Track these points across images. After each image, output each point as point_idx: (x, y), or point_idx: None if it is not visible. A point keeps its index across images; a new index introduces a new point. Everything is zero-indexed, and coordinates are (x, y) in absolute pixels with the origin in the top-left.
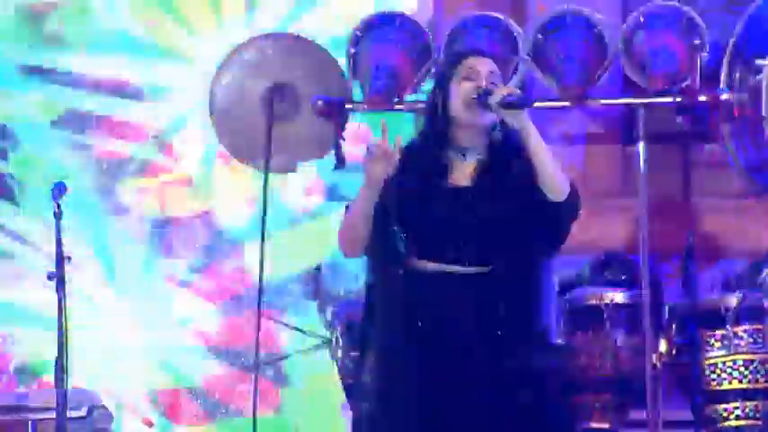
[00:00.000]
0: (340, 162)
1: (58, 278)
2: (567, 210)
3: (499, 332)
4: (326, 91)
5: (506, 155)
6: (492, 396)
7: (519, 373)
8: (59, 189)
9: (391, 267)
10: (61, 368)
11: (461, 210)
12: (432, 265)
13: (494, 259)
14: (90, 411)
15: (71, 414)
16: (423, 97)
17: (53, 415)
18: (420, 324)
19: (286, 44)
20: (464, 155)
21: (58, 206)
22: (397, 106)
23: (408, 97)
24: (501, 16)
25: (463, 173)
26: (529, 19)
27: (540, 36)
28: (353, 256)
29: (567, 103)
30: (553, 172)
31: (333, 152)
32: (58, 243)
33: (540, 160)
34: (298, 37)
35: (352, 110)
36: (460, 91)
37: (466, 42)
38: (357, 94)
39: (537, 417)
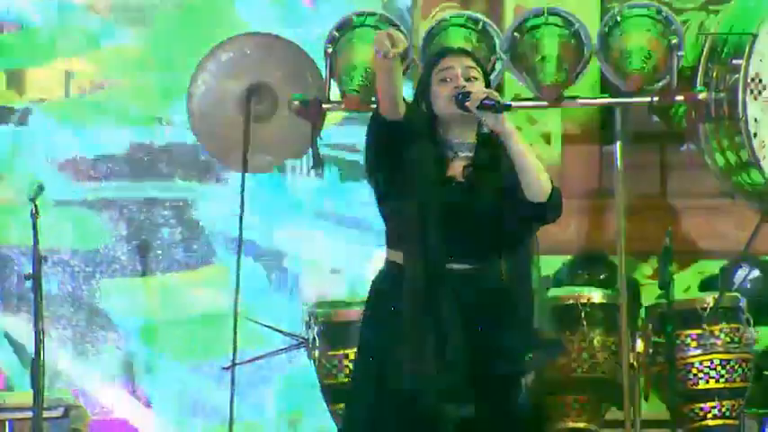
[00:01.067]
0: (317, 162)
1: (35, 278)
2: (549, 211)
3: (481, 327)
4: (303, 91)
5: (496, 150)
6: (484, 396)
7: (509, 370)
8: (36, 189)
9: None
10: (37, 369)
11: (452, 206)
12: (430, 261)
13: (484, 255)
14: (66, 411)
15: (48, 414)
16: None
17: (30, 415)
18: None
19: (263, 44)
20: (455, 151)
21: (35, 206)
22: (374, 106)
23: None
24: (479, 16)
25: (455, 169)
26: (506, 18)
27: (517, 35)
28: (394, 115)
29: (543, 103)
30: (535, 174)
31: (310, 152)
32: (35, 243)
33: (521, 162)
34: (275, 37)
35: (329, 109)
36: (440, 92)
37: (443, 42)
38: (335, 93)
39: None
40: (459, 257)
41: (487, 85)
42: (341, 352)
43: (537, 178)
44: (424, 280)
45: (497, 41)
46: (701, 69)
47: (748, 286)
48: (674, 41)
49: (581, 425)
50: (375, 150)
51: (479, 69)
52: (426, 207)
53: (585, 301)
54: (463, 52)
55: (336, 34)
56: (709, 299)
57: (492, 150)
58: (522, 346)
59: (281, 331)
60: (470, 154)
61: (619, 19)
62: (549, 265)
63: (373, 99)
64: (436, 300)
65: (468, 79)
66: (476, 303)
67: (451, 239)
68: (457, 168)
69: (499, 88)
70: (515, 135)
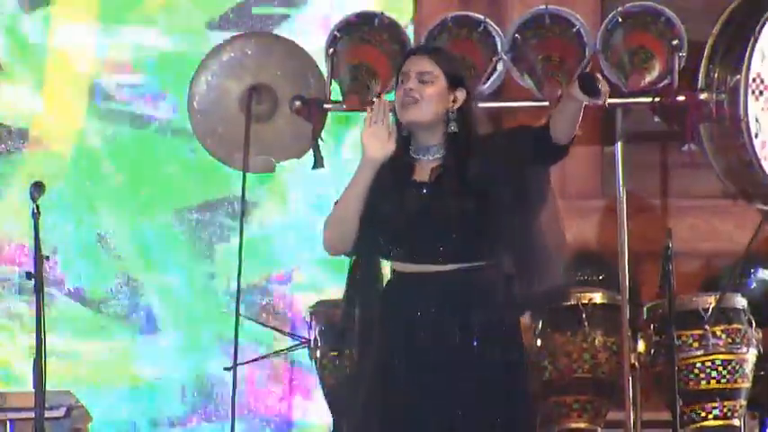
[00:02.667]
0: (318, 162)
1: (37, 278)
2: (563, 151)
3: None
4: (304, 91)
5: (465, 149)
6: (467, 397)
7: (491, 371)
8: (37, 189)
9: (373, 268)
10: (39, 369)
11: (419, 209)
12: (398, 265)
13: (451, 257)
14: (68, 412)
15: (49, 414)
16: None
17: (32, 415)
18: (394, 325)
19: (264, 44)
20: (425, 154)
21: (37, 206)
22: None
23: (387, 97)
24: (480, 16)
25: (424, 172)
26: (508, 19)
27: (518, 36)
28: (341, 252)
29: (545, 104)
30: (576, 124)
31: (311, 152)
32: (37, 243)
33: (576, 116)
34: (276, 37)
35: (329, 110)
36: (396, 97)
37: (445, 42)
38: (336, 94)
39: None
40: (427, 260)
41: (453, 82)
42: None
43: (575, 127)
44: (395, 284)
45: (499, 42)
46: (702, 70)
47: (753, 286)
48: (675, 42)
49: (582, 425)
50: None
51: (440, 69)
52: (393, 213)
53: (587, 301)
54: (425, 52)
55: (337, 34)
56: (711, 299)
57: (461, 150)
58: (497, 353)
59: (281, 331)
60: (438, 155)
61: (620, 19)
62: None
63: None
64: (412, 302)
65: (422, 82)
66: (455, 306)
67: (423, 242)
68: (425, 171)
69: (499, 89)
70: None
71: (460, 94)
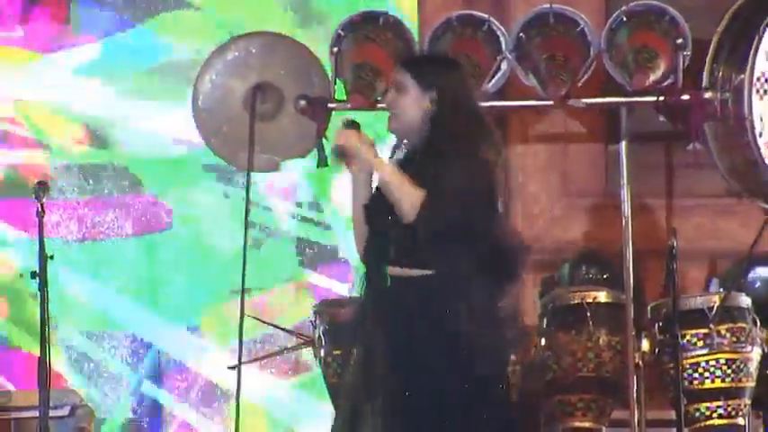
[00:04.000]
0: (322, 161)
1: (41, 277)
2: (418, 228)
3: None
4: (309, 90)
5: (426, 155)
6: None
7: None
8: (42, 188)
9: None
10: (44, 367)
11: (379, 205)
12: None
13: (412, 261)
14: (72, 411)
15: (54, 413)
16: None
17: (36, 414)
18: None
19: (268, 43)
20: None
21: (41, 205)
22: (380, 105)
23: None
24: (484, 15)
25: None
26: (512, 18)
27: (522, 35)
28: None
29: (549, 103)
30: (398, 198)
31: (315, 151)
32: (41, 242)
33: (384, 189)
34: (280, 36)
35: (334, 109)
36: None
37: (448, 42)
38: (340, 93)
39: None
40: (392, 262)
41: (424, 87)
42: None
43: (399, 203)
44: (361, 285)
45: (503, 41)
46: (706, 68)
47: (757, 285)
48: (679, 41)
49: (587, 424)
50: None
51: (410, 77)
52: (363, 214)
53: (591, 300)
54: (399, 62)
55: (341, 33)
56: (715, 298)
57: (421, 156)
58: (440, 357)
59: (285, 330)
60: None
61: (624, 18)
62: (554, 264)
63: (378, 98)
64: (371, 305)
65: (398, 92)
66: (404, 309)
67: (378, 244)
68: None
69: (503, 88)
70: (378, 167)
71: (430, 97)
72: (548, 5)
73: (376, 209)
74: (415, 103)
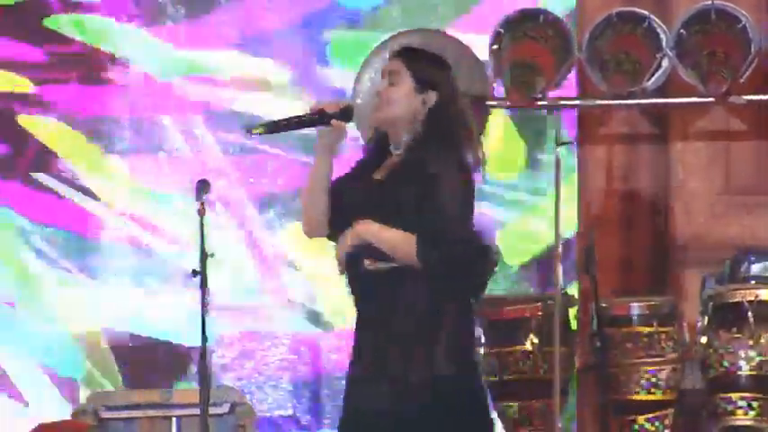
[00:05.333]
0: (479, 160)
1: (201, 275)
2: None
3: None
4: (468, 88)
5: (424, 149)
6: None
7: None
8: (203, 187)
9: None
10: (204, 366)
11: (369, 204)
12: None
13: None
14: (232, 408)
15: (213, 411)
16: (565, 94)
17: (196, 411)
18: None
19: (428, 41)
20: (395, 150)
21: (202, 204)
22: (539, 103)
23: (550, 94)
24: (645, 12)
25: (384, 170)
26: (673, 14)
27: (683, 32)
28: (314, 235)
29: (710, 100)
30: (398, 256)
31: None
32: (202, 241)
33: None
34: (440, 34)
35: (493, 107)
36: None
37: (607, 39)
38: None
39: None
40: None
41: (421, 83)
42: (504, 349)
43: (401, 258)
44: (349, 280)
45: (663, 38)
46: None
47: None
48: None
49: (748, 422)
50: None
51: (407, 69)
52: (349, 208)
53: (753, 298)
54: (396, 53)
55: (501, 31)
56: None
57: (420, 150)
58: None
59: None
60: (399, 152)
61: None
62: (714, 262)
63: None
64: (359, 301)
65: (390, 84)
66: (391, 305)
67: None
68: (386, 165)
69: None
70: (366, 231)
71: (431, 96)
72: (710, 2)
73: (376, 197)
74: (407, 97)
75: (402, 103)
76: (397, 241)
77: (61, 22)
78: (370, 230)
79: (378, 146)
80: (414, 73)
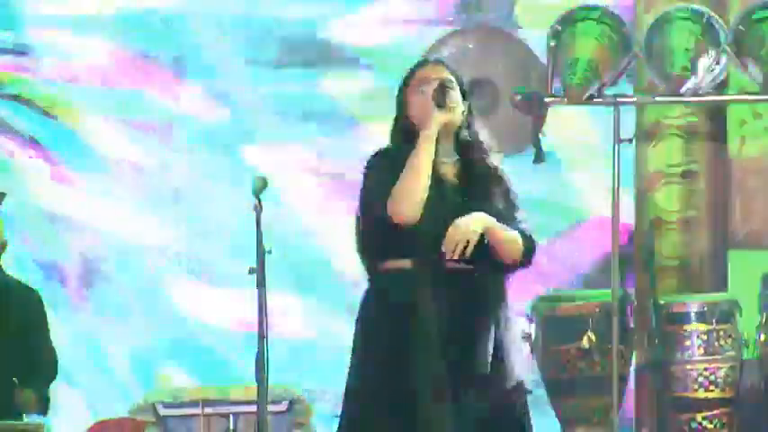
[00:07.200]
0: (540, 156)
1: (259, 273)
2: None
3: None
4: (525, 85)
5: (478, 152)
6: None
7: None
8: (261, 184)
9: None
10: (262, 363)
11: (448, 205)
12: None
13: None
14: (290, 406)
15: (271, 408)
16: (624, 91)
17: (254, 409)
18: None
19: (485, 39)
20: (437, 156)
21: (259, 201)
22: (596, 100)
23: (607, 91)
24: (703, 8)
25: (443, 172)
26: (731, 10)
27: (741, 27)
28: (413, 221)
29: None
30: (507, 254)
31: (532, 146)
32: (259, 238)
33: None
34: (498, 31)
35: (551, 104)
36: (418, 103)
37: (667, 36)
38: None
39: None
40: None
41: (463, 95)
42: (561, 347)
43: (508, 256)
44: (432, 280)
45: (722, 34)
46: None
47: None
48: None
49: None
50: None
51: (455, 80)
52: (426, 208)
53: None
54: (441, 62)
55: (559, 28)
56: None
57: (475, 153)
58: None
59: None
60: (454, 158)
61: None
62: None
63: (593, 94)
64: (438, 300)
65: (451, 88)
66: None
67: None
68: (445, 171)
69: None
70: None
71: (463, 106)
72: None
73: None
74: (460, 103)
75: (460, 108)
76: (510, 238)
77: None
78: (491, 221)
79: (406, 139)
80: (459, 83)
